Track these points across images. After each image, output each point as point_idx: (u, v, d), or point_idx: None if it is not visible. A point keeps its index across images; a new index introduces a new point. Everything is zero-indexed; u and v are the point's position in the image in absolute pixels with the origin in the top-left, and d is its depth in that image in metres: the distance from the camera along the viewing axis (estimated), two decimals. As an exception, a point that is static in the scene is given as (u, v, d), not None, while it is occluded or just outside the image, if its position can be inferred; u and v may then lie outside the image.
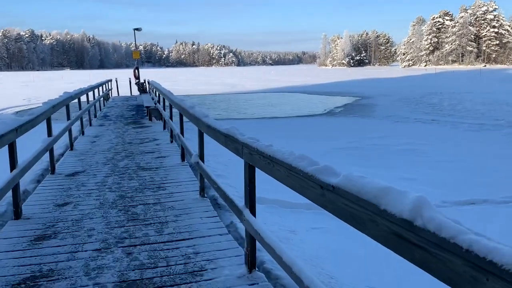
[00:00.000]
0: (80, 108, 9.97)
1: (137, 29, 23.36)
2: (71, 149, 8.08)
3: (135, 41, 23.46)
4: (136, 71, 23.00)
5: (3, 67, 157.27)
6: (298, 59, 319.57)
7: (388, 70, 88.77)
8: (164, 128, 10.67)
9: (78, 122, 9.77)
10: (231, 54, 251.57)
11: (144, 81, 21.79)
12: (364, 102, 24.30)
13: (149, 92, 19.02)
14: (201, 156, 4.88)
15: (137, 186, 5.54)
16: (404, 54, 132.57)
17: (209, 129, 4.07)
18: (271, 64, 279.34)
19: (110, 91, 21.40)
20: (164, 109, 10.36)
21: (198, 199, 4.99)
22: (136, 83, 22.77)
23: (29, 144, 5.77)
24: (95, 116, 13.51)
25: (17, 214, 4.32)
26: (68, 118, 7.92)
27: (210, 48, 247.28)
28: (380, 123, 15.88)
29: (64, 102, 7.31)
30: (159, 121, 12.39)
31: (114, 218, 4.34)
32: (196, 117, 4.66)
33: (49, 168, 6.33)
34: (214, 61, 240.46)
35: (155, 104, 13.37)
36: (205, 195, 5.07)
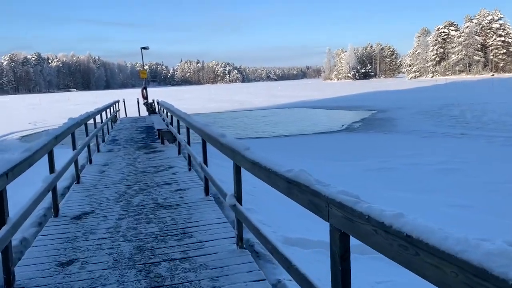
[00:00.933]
0: (87, 134, 9.08)
1: (144, 48, 22.72)
2: (78, 182, 7.15)
3: (143, 60, 22.80)
4: (144, 91, 22.28)
5: (10, 91, 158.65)
6: (302, 74, 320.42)
7: (396, 82, 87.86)
8: (179, 153, 9.74)
9: (85, 149, 8.88)
10: (235, 71, 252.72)
11: (153, 101, 21.03)
12: (381, 116, 23.30)
13: (159, 113, 18.20)
14: (239, 197, 3.91)
15: (157, 232, 4.56)
16: (410, 65, 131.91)
17: (256, 167, 3.10)
18: (275, 80, 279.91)
19: (117, 113, 20.64)
20: (178, 132, 9.44)
21: (236, 251, 3.99)
22: (144, 104, 22.03)
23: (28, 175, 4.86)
24: (103, 141, 12.63)
25: (8, 282, 3.35)
26: (74, 148, 7.01)
27: (214, 66, 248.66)
28: (406, 139, 14.84)
29: (68, 131, 6.40)
30: (172, 144, 11.49)
31: (133, 285, 3.35)
32: (233, 149, 3.70)
33: (52, 210, 5.37)
34: (219, 78, 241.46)
35: (167, 126, 12.49)
36: (244, 245, 4.07)
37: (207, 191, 5.99)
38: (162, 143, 11.63)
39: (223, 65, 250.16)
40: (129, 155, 10.06)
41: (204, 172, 5.75)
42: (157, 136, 13.23)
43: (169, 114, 13.03)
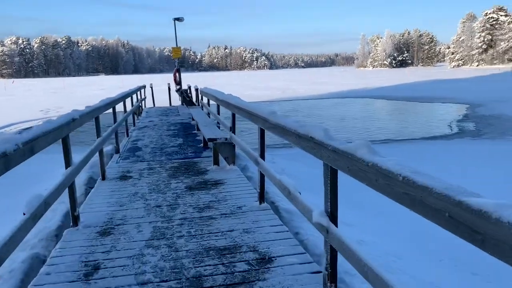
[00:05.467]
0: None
1: (178, 18, 17.76)
2: None
3: (176, 34, 17.84)
4: (177, 74, 17.32)
5: (41, 74, 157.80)
6: (331, 61, 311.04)
7: (452, 71, 79.79)
8: (262, 199, 4.71)
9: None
10: (263, 57, 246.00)
11: (189, 87, 16.06)
12: (488, 113, 17.61)
13: (200, 104, 13.25)
14: None
15: None
16: (452, 53, 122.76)
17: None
18: (303, 67, 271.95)
19: (143, 102, 15.84)
20: (263, 156, 4.41)
21: None
22: (177, 90, 17.10)
23: None
24: (117, 151, 7.79)
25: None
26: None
27: (242, 52, 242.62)
28: None
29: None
30: (233, 166, 6.51)
31: None
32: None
33: None
34: (247, 64, 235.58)
35: (223, 130, 7.51)
36: None
37: None
38: (216, 163, 6.62)
39: (251, 51, 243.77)
40: (159, 194, 5.13)
41: None
42: (201, 144, 8.30)
43: (220, 108, 8.00)
